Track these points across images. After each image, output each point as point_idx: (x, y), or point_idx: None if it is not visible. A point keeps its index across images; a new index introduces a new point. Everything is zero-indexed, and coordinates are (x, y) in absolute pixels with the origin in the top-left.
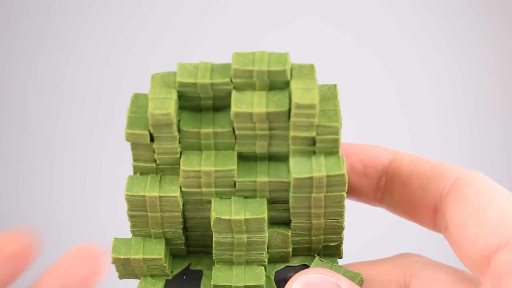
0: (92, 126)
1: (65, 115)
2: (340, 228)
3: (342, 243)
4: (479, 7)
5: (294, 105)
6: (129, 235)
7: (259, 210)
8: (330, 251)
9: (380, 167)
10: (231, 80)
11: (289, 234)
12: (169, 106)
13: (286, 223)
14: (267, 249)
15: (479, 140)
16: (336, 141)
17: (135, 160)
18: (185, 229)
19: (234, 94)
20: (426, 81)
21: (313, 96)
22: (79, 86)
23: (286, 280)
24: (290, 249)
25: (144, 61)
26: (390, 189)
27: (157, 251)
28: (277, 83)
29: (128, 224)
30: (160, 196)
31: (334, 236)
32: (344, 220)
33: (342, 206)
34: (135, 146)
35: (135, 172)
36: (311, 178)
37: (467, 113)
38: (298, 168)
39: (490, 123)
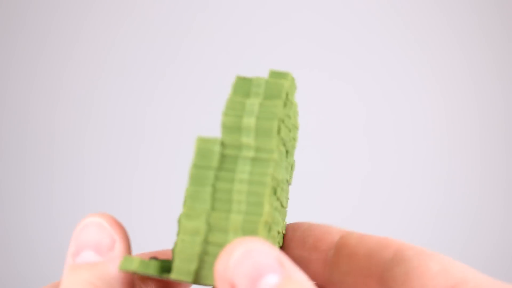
0: (91, 126)
1: (64, 116)
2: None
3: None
4: (479, 10)
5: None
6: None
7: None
8: None
9: (330, 241)
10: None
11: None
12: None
13: None
14: None
15: (480, 143)
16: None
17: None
18: None
19: None
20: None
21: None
22: (78, 87)
23: None
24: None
25: (142, 62)
26: (338, 260)
27: None
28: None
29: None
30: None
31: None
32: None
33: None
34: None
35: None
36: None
37: (467, 120)
38: None
39: (491, 132)
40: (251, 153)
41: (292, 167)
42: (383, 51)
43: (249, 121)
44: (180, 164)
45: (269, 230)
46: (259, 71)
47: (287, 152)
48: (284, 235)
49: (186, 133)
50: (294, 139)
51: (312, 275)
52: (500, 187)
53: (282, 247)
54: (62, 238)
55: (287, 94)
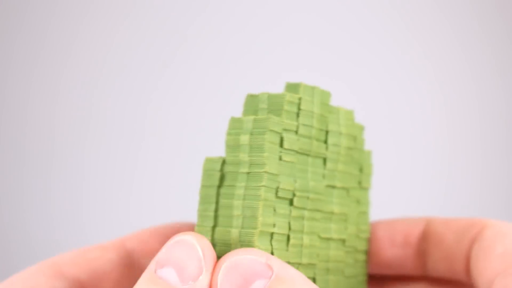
0: (90, 128)
1: (63, 116)
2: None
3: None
4: (480, 10)
5: None
6: None
7: None
8: None
9: (418, 233)
10: None
11: None
12: None
13: None
14: None
15: (481, 143)
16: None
17: None
18: None
19: None
20: (428, 86)
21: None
22: (77, 87)
23: None
24: None
25: (141, 64)
26: (428, 249)
27: None
28: None
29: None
30: None
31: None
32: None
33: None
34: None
35: None
36: None
37: (469, 119)
38: None
39: (492, 130)
40: (246, 169)
41: (359, 170)
42: (382, 50)
43: (245, 138)
44: (180, 165)
45: (278, 239)
46: (261, 70)
47: (325, 159)
48: (370, 238)
49: (186, 133)
50: (336, 144)
51: (409, 270)
52: (501, 187)
53: (368, 251)
54: (61, 238)
55: (298, 105)
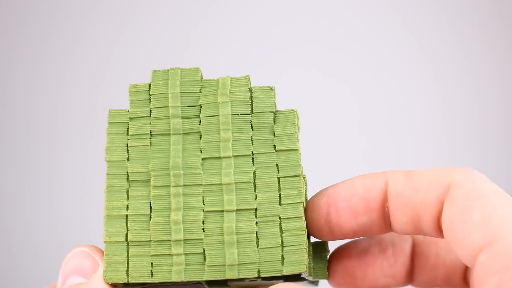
0: (93, 128)
1: (65, 116)
2: None
3: None
4: (479, 8)
5: None
6: None
7: None
8: None
9: (378, 195)
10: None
11: None
12: None
13: None
14: None
15: (480, 142)
16: None
17: None
18: None
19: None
20: (426, 83)
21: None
22: (77, 87)
23: None
24: None
25: (142, 62)
26: (392, 212)
27: None
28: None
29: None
30: None
31: None
32: None
33: None
34: None
35: None
36: None
37: (467, 116)
38: None
39: (491, 127)
40: None
41: (271, 134)
42: (381, 49)
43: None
44: None
45: (136, 220)
46: (262, 71)
47: (200, 134)
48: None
49: None
50: (214, 115)
51: (376, 232)
52: (501, 186)
53: (329, 223)
54: (63, 237)
55: (147, 92)
